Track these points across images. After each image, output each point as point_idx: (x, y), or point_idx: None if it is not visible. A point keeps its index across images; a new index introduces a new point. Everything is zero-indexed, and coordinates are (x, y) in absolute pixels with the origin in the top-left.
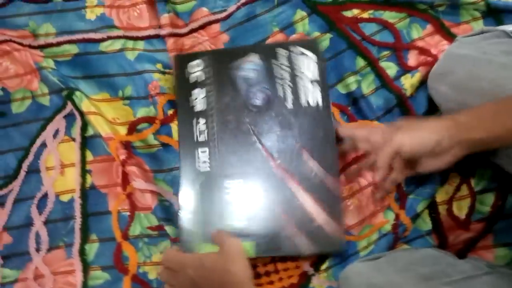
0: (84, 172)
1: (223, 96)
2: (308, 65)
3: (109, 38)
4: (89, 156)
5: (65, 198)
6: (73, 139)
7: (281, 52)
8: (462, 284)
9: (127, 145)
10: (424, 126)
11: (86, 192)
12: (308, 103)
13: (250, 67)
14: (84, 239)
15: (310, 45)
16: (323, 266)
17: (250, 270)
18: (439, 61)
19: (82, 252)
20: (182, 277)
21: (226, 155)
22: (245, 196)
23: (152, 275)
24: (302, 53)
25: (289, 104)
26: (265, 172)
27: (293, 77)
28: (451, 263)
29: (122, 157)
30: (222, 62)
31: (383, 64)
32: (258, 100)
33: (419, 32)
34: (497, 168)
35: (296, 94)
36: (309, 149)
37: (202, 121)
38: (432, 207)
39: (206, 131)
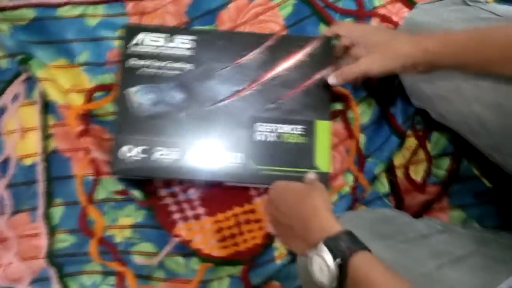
0: (46, 136)
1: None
2: None
3: (68, 3)
4: (51, 120)
5: (27, 162)
6: (34, 103)
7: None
8: (417, 242)
9: (85, 114)
10: (392, 50)
11: (49, 156)
12: None
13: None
14: (49, 203)
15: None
16: None
17: (330, 204)
18: (399, 28)
19: (46, 216)
20: (271, 202)
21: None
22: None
23: (118, 238)
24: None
25: None
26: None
27: None
28: (407, 223)
29: (79, 128)
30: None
31: None
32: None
33: (380, 0)
34: (453, 133)
35: None
36: None
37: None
38: (390, 170)
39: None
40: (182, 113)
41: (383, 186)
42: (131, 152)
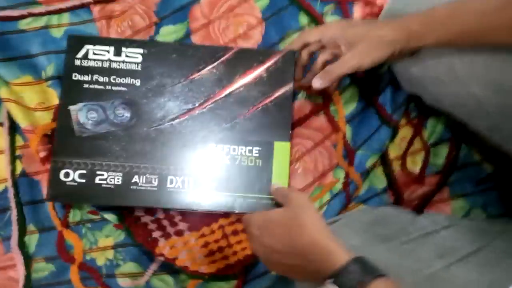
0: (13, 158)
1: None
2: None
3: (30, 15)
4: (19, 141)
5: None
6: (1, 124)
7: None
8: (421, 241)
9: (53, 136)
10: (377, 40)
11: (17, 180)
12: None
13: None
14: (22, 231)
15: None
16: None
17: (325, 223)
18: (387, 5)
19: (21, 245)
20: (251, 237)
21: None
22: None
23: (100, 261)
24: None
25: None
26: None
27: None
28: (410, 221)
29: (43, 154)
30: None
31: (328, 18)
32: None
33: None
34: (449, 118)
35: None
36: None
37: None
38: (386, 163)
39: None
40: (126, 133)
41: (380, 181)
42: (69, 177)
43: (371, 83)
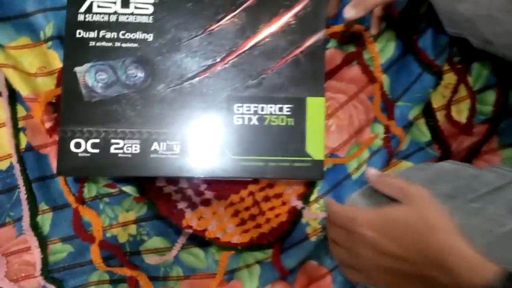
0: (17, 131)
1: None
2: None
3: None
4: (21, 111)
5: (2, 165)
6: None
7: None
8: (491, 198)
9: (58, 103)
10: None
11: (23, 155)
12: None
13: None
14: (34, 211)
15: None
16: (312, 197)
17: (455, 223)
18: None
19: (34, 226)
20: (358, 239)
21: None
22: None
23: (122, 238)
24: None
25: None
26: None
27: None
28: (474, 176)
29: (48, 125)
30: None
31: None
32: None
33: None
34: (495, 61)
35: None
36: None
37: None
38: (429, 114)
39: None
40: (141, 96)
41: (423, 134)
42: (80, 148)
43: (408, 26)
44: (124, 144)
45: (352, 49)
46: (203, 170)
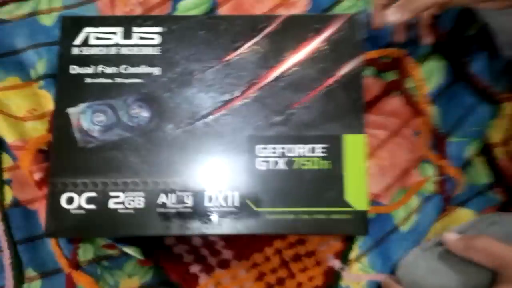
0: (1, 184)
1: None
2: None
3: (12, 0)
4: (7, 161)
5: None
6: None
7: None
8: None
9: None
10: None
11: (8, 212)
12: None
13: None
14: (19, 278)
15: None
16: (353, 255)
17: None
18: None
19: None
20: None
21: None
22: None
23: None
24: None
25: None
26: None
27: None
28: None
29: (38, 176)
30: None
31: None
32: None
33: None
34: None
35: None
36: None
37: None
38: (487, 151)
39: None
40: (146, 139)
41: (482, 174)
42: (73, 203)
43: (458, 48)
44: (126, 198)
45: (392, 77)
46: (220, 226)
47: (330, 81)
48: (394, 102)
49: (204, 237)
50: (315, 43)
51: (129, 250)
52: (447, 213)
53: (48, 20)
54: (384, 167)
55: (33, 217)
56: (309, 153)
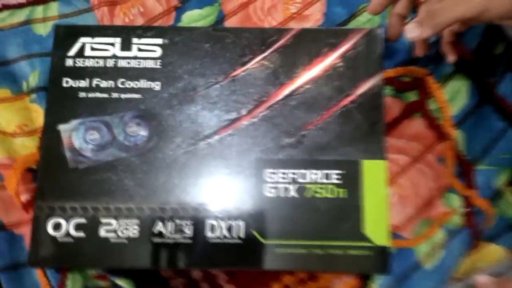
0: None
1: None
2: None
3: (5, 7)
4: None
5: None
6: None
7: None
8: None
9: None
10: None
11: None
12: None
13: None
14: None
15: None
16: None
17: None
18: None
19: None
20: None
21: None
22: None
23: None
24: None
25: None
26: None
27: None
28: None
29: (25, 197)
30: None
31: None
32: None
33: None
34: None
35: None
36: None
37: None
38: None
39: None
40: (144, 160)
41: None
42: (60, 230)
43: (483, 68)
44: (119, 226)
45: (413, 97)
46: (224, 260)
47: (347, 100)
48: (416, 125)
49: (205, 271)
50: (329, 59)
51: (121, 282)
52: (476, 249)
53: (42, 30)
54: (405, 196)
55: (19, 242)
56: (323, 180)
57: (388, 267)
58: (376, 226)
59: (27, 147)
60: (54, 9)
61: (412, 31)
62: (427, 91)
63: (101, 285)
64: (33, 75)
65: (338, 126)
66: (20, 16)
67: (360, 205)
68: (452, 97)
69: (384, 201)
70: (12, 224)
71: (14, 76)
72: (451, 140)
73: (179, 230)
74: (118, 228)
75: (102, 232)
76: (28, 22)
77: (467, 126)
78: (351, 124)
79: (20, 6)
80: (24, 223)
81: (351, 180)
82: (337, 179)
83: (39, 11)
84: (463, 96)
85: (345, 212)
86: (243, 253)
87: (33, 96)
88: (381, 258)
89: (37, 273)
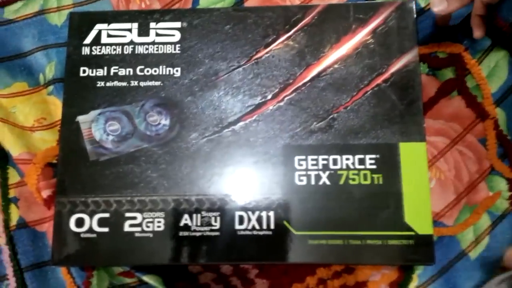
0: (6, 203)
1: None
2: None
3: None
4: (13, 177)
5: None
6: None
7: None
8: None
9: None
10: None
11: (14, 235)
12: None
13: None
14: None
15: None
16: (412, 286)
17: None
18: None
19: None
20: None
21: None
22: None
23: None
24: None
25: None
26: None
27: None
28: None
29: (47, 193)
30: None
31: None
32: None
33: None
34: None
35: None
36: None
37: None
38: None
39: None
40: (166, 150)
41: None
42: (83, 226)
43: None
44: (143, 219)
45: (450, 75)
46: (253, 253)
47: (379, 79)
48: (454, 104)
49: (235, 265)
50: (359, 36)
51: (148, 279)
52: None
53: (57, 19)
54: (445, 181)
55: (42, 240)
56: (358, 165)
57: (432, 257)
58: (417, 214)
59: (47, 141)
60: None
61: (438, 4)
62: (464, 67)
63: (127, 282)
64: (49, 67)
65: (370, 107)
66: (34, 6)
67: (398, 191)
68: (490, 73)
69: (425, 186)
70: (34, 222)
71: (31, 68)
72: (492, 119)
73: (206, 222)
74: (143, 222)
75: (127, 227)
76: (42, 12)
77: (508, 104)
78: (385, 105)
79: None
80: (46, 220)
81: (388, 165)
82: (373, 164)
83: (53, 0)
84: (502, 71)
85: (382, 200)
86: (273, 245)
87: (50, 88)
88: (424, 248)
89: (62, 271)
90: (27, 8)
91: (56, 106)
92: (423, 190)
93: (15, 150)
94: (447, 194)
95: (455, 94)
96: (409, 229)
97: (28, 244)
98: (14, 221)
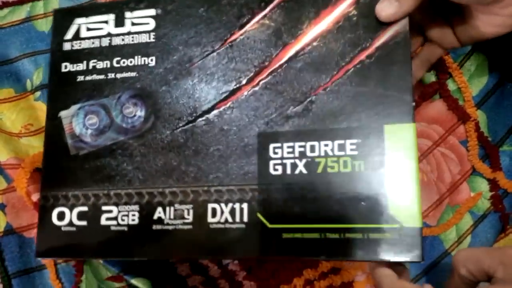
0: None
1: None
2: None
3: (5, 4)
4: (0, 183)
5: None
6: None
7: None
8: None
9: None
10: None
11: (1, 241)
12: None
13: None
14: None
15: None
16: None
17: None
18: None
19: None
20: None
21: None
22: None
23: None
24: None
25: None
26: None
27: None
28: None
29: (36, 197)
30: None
31: None
32: None
33: None
34: None
35: None
36: None
37: None
38: None
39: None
40: (141, 142)
41: None
42: (64, 219)
43: (503, 45)
44: (119, 212)
45: (432, 78)
46: (226, 247)
47: (363, 55)
48: (436, 107)
49: (223, 267)
50: (341, 8)
51: (137, 282)
52: (506, 234)
53: (44, 26)
54: (428, 182)
55: (30, 246)
56: (338, 152)
57: (419, 253)
58: (405, 205)
59: (34, 147)
60: (55, 3)
61: (386, 8)
62: (446, 71)
63: (115, 286)
64: (37, 73)
65: (352, 87)
66: (21, 13)
67: (383, 180)
68: (471, 76)
69: (413, 174)
70: (22, 228)
71: (17, 74)
72: (473, 121)
73: (179, 215)
74: (118, 215)
75: (103, 220)
76: (29, 19)
77: (488, 106)
78: (368, 83)
79: (20, 2)
80: (34, 226)
81: (371, 151)
82: (353, 150)
83: (39, 6)
84: (482, 75)
85: (364, 189)
86: (246, 239)
87: (38, 93)
88: (412, 242)
89: (50, 276)
90: (13, 15)
91: (43, 112)
92: (410, 178)
93: (2, 155)
94: (430, 195)
95: (436, 97)
96: (394, 221)
97: (16, 250)
98: (1, 227)
